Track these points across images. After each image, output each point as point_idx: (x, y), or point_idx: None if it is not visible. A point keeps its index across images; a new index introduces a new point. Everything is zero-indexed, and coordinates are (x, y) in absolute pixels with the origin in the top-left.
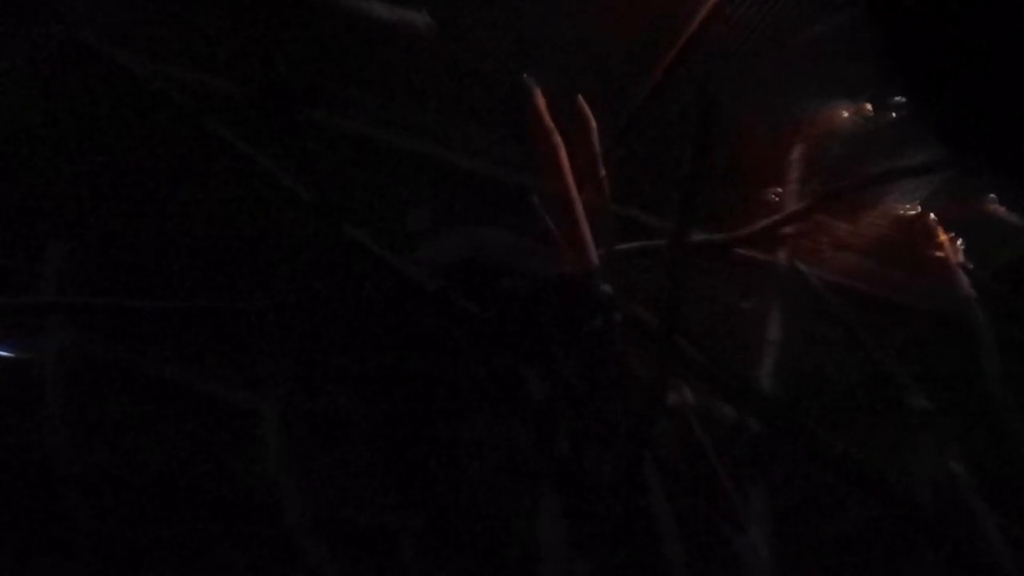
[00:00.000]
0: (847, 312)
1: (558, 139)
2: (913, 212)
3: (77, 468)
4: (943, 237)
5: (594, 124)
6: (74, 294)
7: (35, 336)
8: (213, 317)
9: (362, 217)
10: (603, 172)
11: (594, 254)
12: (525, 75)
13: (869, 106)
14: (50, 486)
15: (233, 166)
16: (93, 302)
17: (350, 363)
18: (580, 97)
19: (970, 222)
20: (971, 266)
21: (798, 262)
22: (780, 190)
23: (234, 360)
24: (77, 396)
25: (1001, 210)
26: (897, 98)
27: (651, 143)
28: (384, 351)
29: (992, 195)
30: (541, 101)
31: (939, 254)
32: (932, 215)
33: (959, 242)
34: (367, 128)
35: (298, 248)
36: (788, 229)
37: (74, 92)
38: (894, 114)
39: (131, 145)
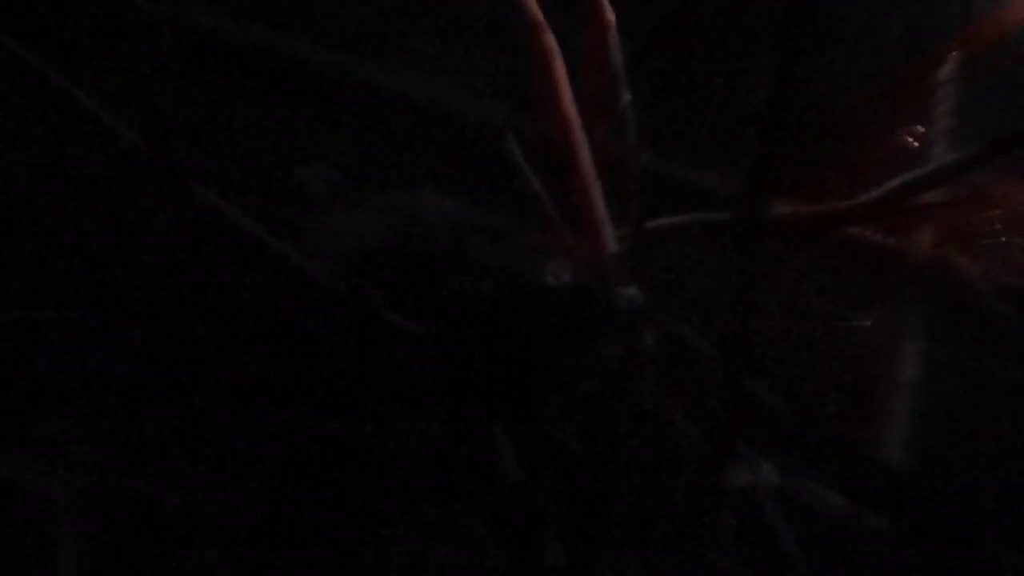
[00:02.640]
0: None
1: (550, 41)
2: None
3: None
4: None
5: (612, 18)
6: None
7: None
8: None
9: (230, 176)
10: (627, 98)
11: (610, 236)
12: None
13: None
14: None
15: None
16: None
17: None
18: None
19: None
20: None
21: (947, 252)
22: (916, 136)
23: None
24: None
25: None
26: None
27: (698, 59)
28: (257, 401)
29: None
30: None
31: None
32: None
33: None
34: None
35: (117, 222)
36: (931, 198)
37: None
38: None
39: None
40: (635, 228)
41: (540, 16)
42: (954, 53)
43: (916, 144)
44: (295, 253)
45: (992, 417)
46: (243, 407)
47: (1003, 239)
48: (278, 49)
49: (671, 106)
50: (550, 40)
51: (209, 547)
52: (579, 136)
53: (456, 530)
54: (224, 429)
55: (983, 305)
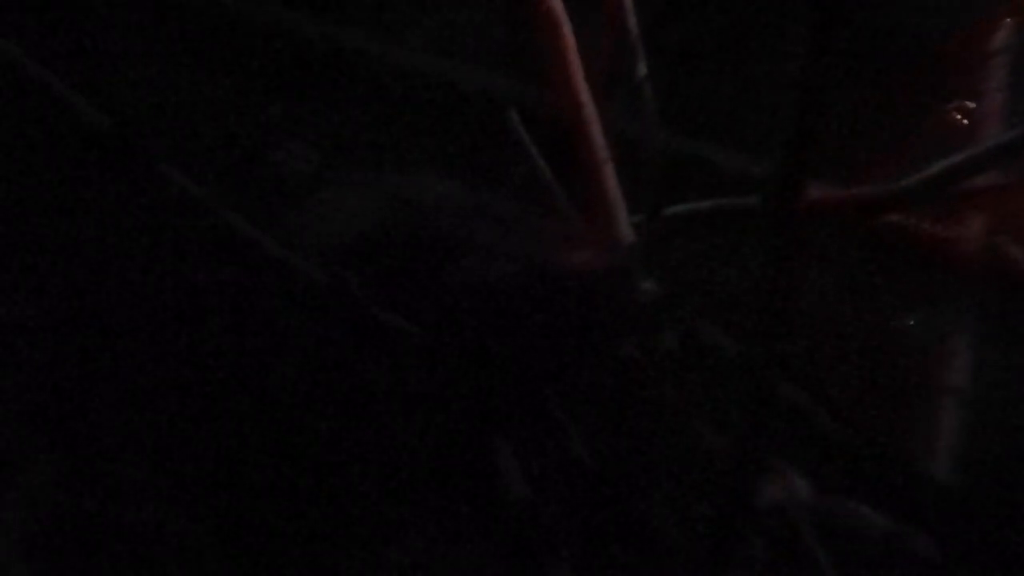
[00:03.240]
0: None
1: (556, 5)
2: None
3: None
4: None
5: None
6: None
7: None
8: None
9: (200, 156)
10: (643, 70)
11: (624, 222)
12: None
13: None
14: None
15: None
16: None
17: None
18: None
19: None
20: None
21: (1000, 242)
22: (966, 112)
23: None
24: None
25: None
26: None
27: (723, 25)
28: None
29: None
30: None
31: None
32: None
33: None
34: None
35: (75, 209)
36: (982, 182)
37: None
38: None
39: None
40: (652, 214)
41: None
42: (1008, 18)
43: (966, 121)
44: (273, 242)
45: None
46: (214, 414)
47: None
48: (254, 18)
49: (693, 78)
50: (556, 5)
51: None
52: (589, 112)
53: (454, 553)
54: (192, 438)
55: None
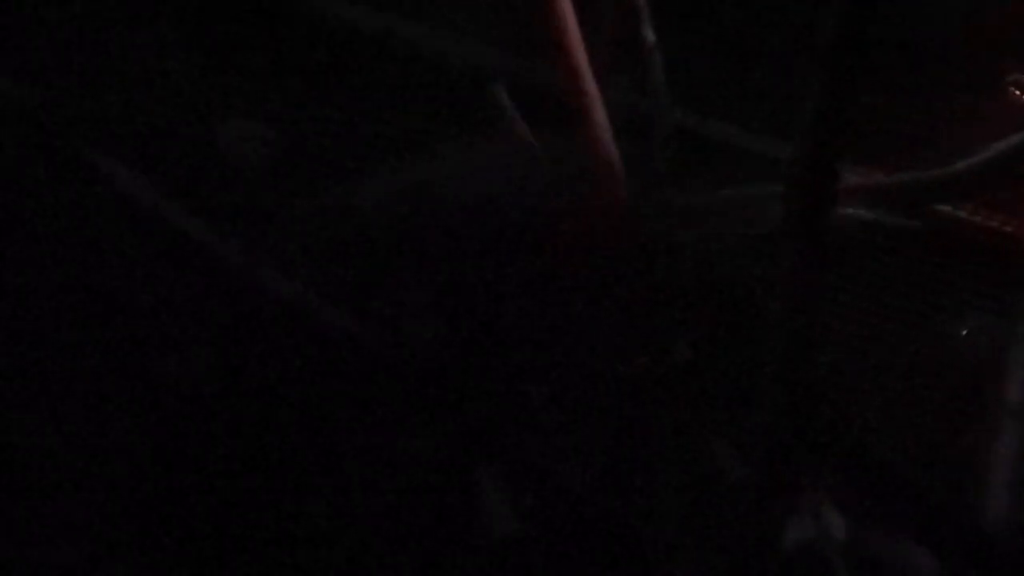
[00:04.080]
0: None
1: None
2: None
3: None
4: None
5: None
6: None
7: None
8: None
9: (133, 137)
10: (652, 40)
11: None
12: None
13: None
14: None
15: None
16: None
17: None
18: None
19: None
20: None
21: None
22: None
23: None
24: None
25: None
26: None
27: None
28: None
29: None
30: None
31: None
32: None
33: None
34: None
35: None
36: None
37: None
38: None
39: None
40: (661, 203)
41: None
42: None
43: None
44: (216, 238)
45: None
46: (156, 447)
47: None
48: None
49: (708, 50)
50: None
51: None
52: (591, 87)
53: None
54: (128, 473)
55: None
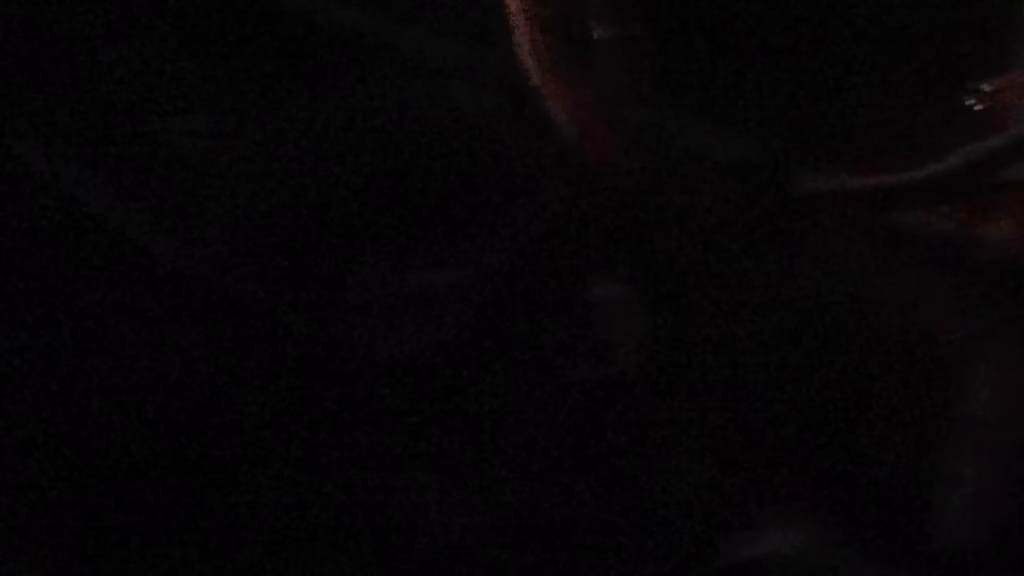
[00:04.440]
0: None
1: None
2: None
3: None
4: None
5: None
6: None
7: None
8: None
9: (65, 128)
10: (608, 31)
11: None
12: None
13: None
14: None
15: None
16: None
17: None
18: None
19: None
20: None
21: None
22: (1007, 87)
23: None
24: None
25: None
26: None
27: None
28: None
29: None
30: None
31: None
32: None
33: None
34: None
35: None
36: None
37: None
38: None
39: None
40: (620, 203)
41: None
42: None
43: (1006, 99)
44: (156, 235)
45: None
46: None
47: None
48: None
49: (675, 41)
50: None
51: None
52: (542, 80)
53: None
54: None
55: None
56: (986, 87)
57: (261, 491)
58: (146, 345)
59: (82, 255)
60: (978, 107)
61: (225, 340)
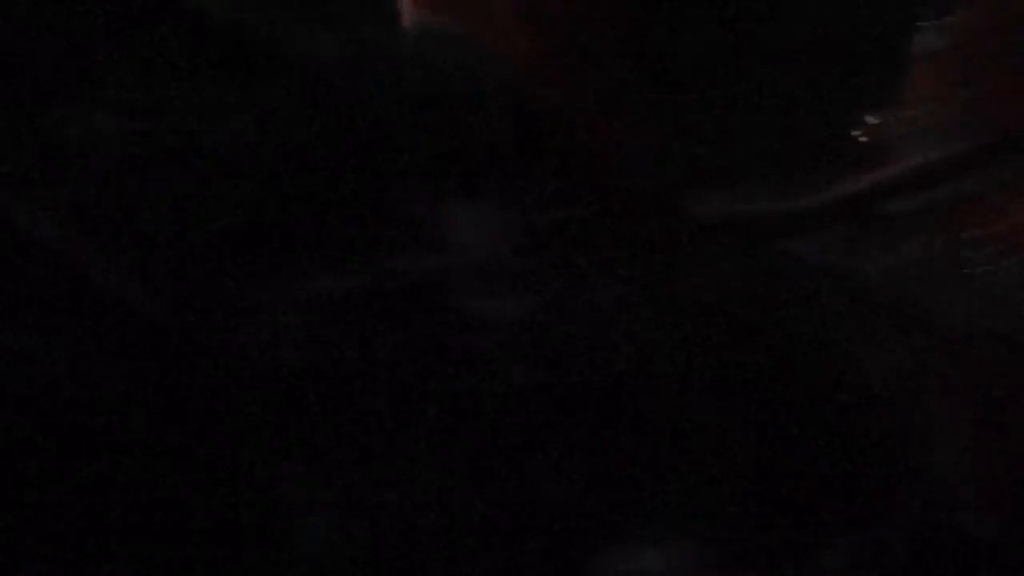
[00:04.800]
0: None
1: None
2: None
3: None
4: None
5: None
6: None
7: None
8: None
9: None
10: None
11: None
12: None
13: None
14: None
15: None
16: None
17: None
18: None
19: None
20: None
21: None
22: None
23: None
24: None
25: None
26: None
27: None
28: None
29: None
30: None
31: None
32: None
33: None
34: None
35: None
36: (908, 206)
37: None
38: None
39: None
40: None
41: None
42: None
43: (891, 133)
44: (62, 237)
45: None
46: None
47: (1001, 265)
48: None
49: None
50: None
51: None
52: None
53: None
54: None
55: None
56: (872, 120)
57: (140, 492)
58: (28, 347)
59: None
60: (863, 139)
61: (107, 341)
